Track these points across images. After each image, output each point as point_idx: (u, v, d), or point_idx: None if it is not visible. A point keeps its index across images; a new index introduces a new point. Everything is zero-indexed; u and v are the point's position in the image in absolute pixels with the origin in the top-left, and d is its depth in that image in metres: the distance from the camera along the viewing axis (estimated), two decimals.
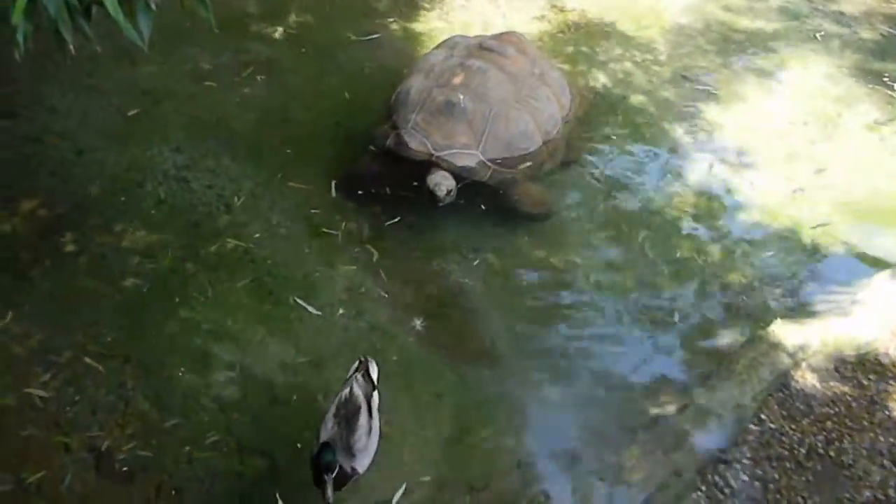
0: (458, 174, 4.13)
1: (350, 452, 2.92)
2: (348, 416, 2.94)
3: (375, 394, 3.11)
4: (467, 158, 4.14)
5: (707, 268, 4.18)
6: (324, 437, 2.92)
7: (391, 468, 3.20)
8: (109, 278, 3.72)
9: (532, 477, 3.31)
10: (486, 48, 4.49)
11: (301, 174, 4.37)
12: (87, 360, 3.40)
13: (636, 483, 3.30)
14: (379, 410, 3.09)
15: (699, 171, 4.69)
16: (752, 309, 4.00)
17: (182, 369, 3.43)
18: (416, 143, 4.12)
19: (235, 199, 4.18)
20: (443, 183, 4.07)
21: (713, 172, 4.69)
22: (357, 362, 3.16)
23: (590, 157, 4.69)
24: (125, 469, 3.10)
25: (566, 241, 4.25)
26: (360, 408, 2.96)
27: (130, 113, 4.55)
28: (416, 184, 4.14)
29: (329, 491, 2.78)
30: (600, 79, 5.23)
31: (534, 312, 3.93)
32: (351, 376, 3.07)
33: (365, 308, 3.79)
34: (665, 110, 5.05)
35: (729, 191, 4.61)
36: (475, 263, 4.07)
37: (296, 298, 3.75)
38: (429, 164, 4.12)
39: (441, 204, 4.08)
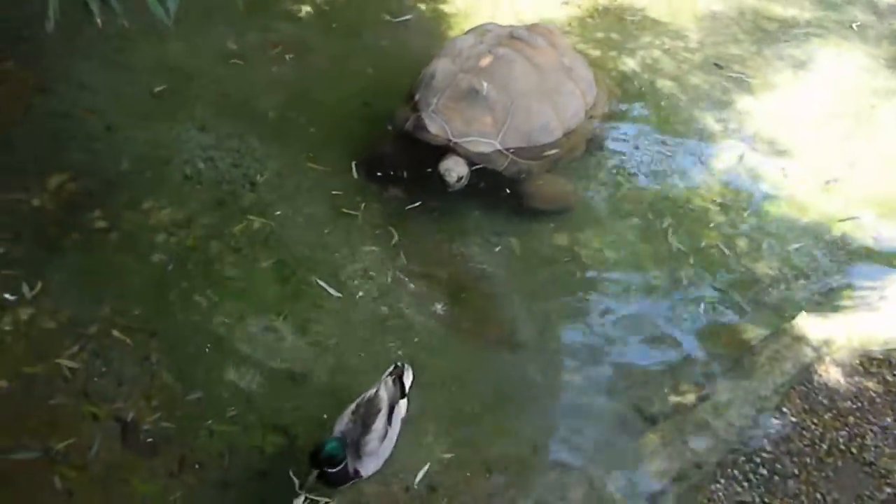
0: (473, 161, 4.09)
1: (358, 453, 2.88)
2: (366, 416, 2.92)
3: (403, 402, 3.08)
4: (485, 146, 4.09)
5: (733, 258, 4.14)
6: (337, 431, 2.91)
7: (414, 446, 3.23)
8: (137, 254, 3.77)
9: (549, 461, 3.32)
10: (515, 37, 4.42)
11: (326, 155, 4.38)
12: (116, 332, 3.46)
13: (654, 472, 3.29)
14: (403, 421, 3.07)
15: (728, 160, 4.64)
16: (778, 301, 3.96)
17: (206, 345, 3.47)
18: (436, 128, 4.09)
19: (260, 178, 4.20)
20: (454, 169, 4.03)
21: (742, 162, 4.63)
22: (393, 366, 3.14)
23: (616, 144, 4.65)
24: (150, 440, 3.16)
25: (590, 228, 4.23)
26: (379, 411, 2.94)
27: (158, 90, 4.58)
28: (430, 169, 4.11)
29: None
30: (629, 64, 5.17)
31: (556, 298, 3.92)
32: (383, 379, 3.05)
33: (386, 290, 3.81)
34: (695, 98, 4.98)
35: (758, 181, 4.55)
36: (497, 249, 4.07)
37: (317, 279, 3.77)
38: (446, 150, 4.09)
39: (451, 190, 4.04)
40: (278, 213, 4.05)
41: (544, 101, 4.23)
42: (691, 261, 4.11)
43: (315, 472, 2.81)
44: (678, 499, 3.23)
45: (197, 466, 3.11)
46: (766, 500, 3.24)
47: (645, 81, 5.05)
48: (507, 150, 4.13)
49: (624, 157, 4.59)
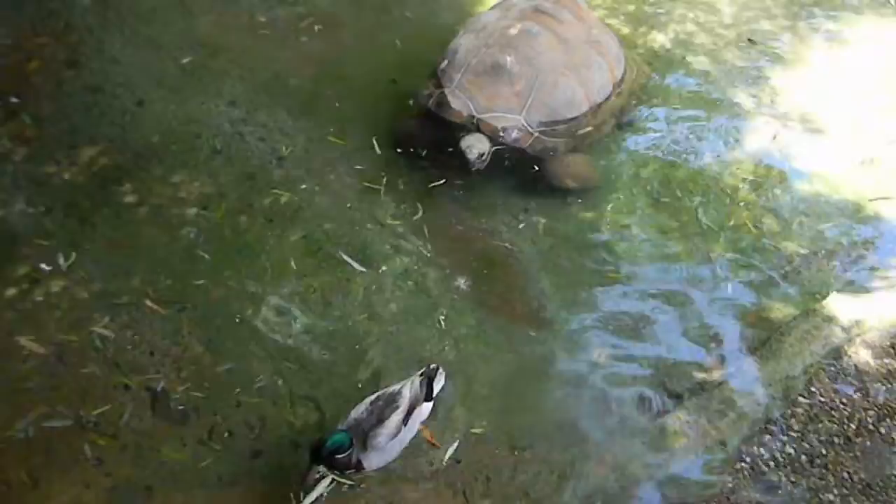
0: (497, 139, 4.01)
1: (365, 444, 2.85)
2: (383, 410, 2.90)
3: (427, 406, 3.04)
4: (508, 122, 4.01)
5: (763, 237, 4.09)
6: (351, 417, 2.88)
7: (442, 421, 3.26)
8: (167, 227, 3.81)
9: (574, 438, 3.33)
10: (541, 11, 4.32)
11: (353, 131, 4.38)
12: (149, 302, 3.51)
13: (679, 449, 3.29)
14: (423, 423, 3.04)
15: (760, 137, 4.56)
16: (808, 281, 3.92)
17: (235, 317, 3.52)
18: (459, 104, 4.03)
19: (288, 153, 4.22)
20: (475, 145, 3.95)
21: (775, 139, 4.55)
22: (426, 367, 3.11)
23: (646, 120, 4.60)
24: (180, 409, 3.22)
25: (618, 205, 4.20)
26: (397, 408, 2.92)
27: (188, 64, 4.60)
28: (451, 149, 4.06)
29: (311, 478, 2.77)
30: (660, 40, 5.09)
31: (583, 275, 3.91)
32: (412, 378, 3.02)
33: (411, 266, 3.82)
34: (728, 73, 4.90)
35: (790, 159, 4.48)
36: (522, 226, 4.05)
37: (342, 254, 3.79)
38: (470, 127, 4.02)
39: (473, 168, 3.96)
40: (305, 187, 4.07)
41: (570, 75, 4.14)
42: (720, 239, 4.07)
43: (315, 473, 2.80)
44: (702, 476, 3.23)
45: (227, 435, 3.16)
46: (792, 479, 3.23)
47: (677, 57, 4.98)
48: (532, 126, 4.05)
49: (654, 134, 4.53)
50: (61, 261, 3.61)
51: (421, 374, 3.04)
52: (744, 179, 4.35)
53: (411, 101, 4.29)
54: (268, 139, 4.27)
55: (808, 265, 3.99)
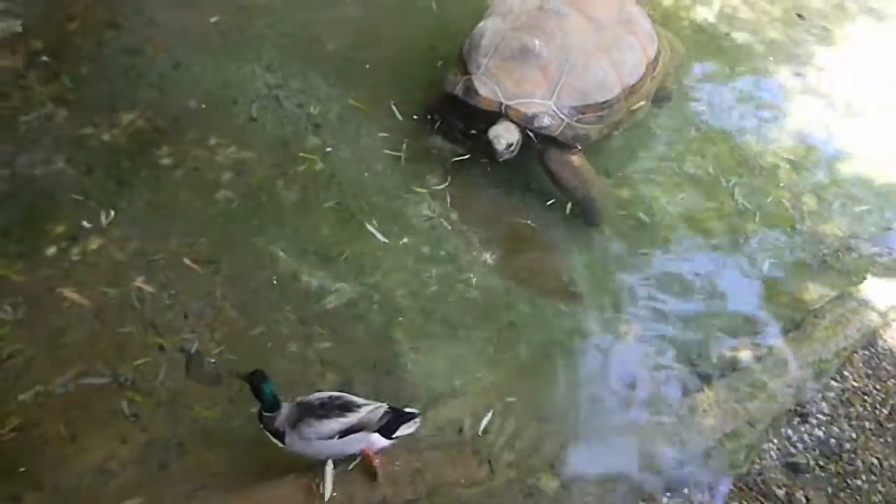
0: (526, 126, 3.88)
1: (294, 423, 2.77)
2: (332, 409, 2.78)
3: (379, 439, 2.85)
4: (538, 107, 3.86)
5: (800, 218, 4.04)
6: (306, 397, 2.82)
7: (471, 394, 3.29)
8: (203, 191, 3.85)
9: (601, 412, 3.34)
10: None
11: (388, 98, 4.36)
12: (187, 261, 3.56)
13: (706, 429, 3.28)
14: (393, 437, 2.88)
15: (802, 116, 4.48)
16: (845, 263, 3.86)
17: (268, 282, 3.56)
18: (486, 91, 3.89)
19: (323, 119, 4.22)
20: (504, 136, 3.83)
21: (818, 119, 4.46)
22: (404, 407, 2.92)
23: (686, 98, 4.53)
24: (213, 370, 3.27)
25: (653, 182, 4.15)
26: (343, 418, 2.76)
27: (225, 27, 4.61)
28: (475, 131, 3.96)
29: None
30: (704, 14, 4.99)
31: (614, 251, 3.89)
32: (382, 405, 2.86)
33: (440, 237, 3.82)
34: (772, 50, 4.80)
35: (832, 139, 4.40)
36: (551, 202, 4.01)
37: (368, 224, 3.79)
38: (498, 113, 3.90)
39: (500, 159, 3.86)
40: (340, 154, 4.08)
41: (601, 56, 3.97)
42: (757, 218, 4.02)
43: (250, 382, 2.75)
44: (729, 456, 3.23)
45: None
46: (820, 462, 3.22)
47: (720, 33, 4.88)
48: (563, 111, 3.88)
49: (693, 112, 4.47)
50: (102, 219, 3.66)
51: (391, 408, 2.87)
52: (783, 159, 4.28)
53: (441, 90, 4.13)
54: (304, 105, 4.27)
55: (845, 247, 3.93)
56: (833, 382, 3.41)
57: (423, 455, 3.10)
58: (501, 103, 3.87)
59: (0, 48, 4.22)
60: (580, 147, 3.96)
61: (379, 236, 3.76)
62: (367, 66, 4.48)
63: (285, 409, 2.81)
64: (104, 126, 4.05)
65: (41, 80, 4.16)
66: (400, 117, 4.26)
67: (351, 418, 2.78)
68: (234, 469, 3.02)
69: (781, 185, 4.17)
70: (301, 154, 4.05)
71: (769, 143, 4.34)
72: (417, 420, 2.93)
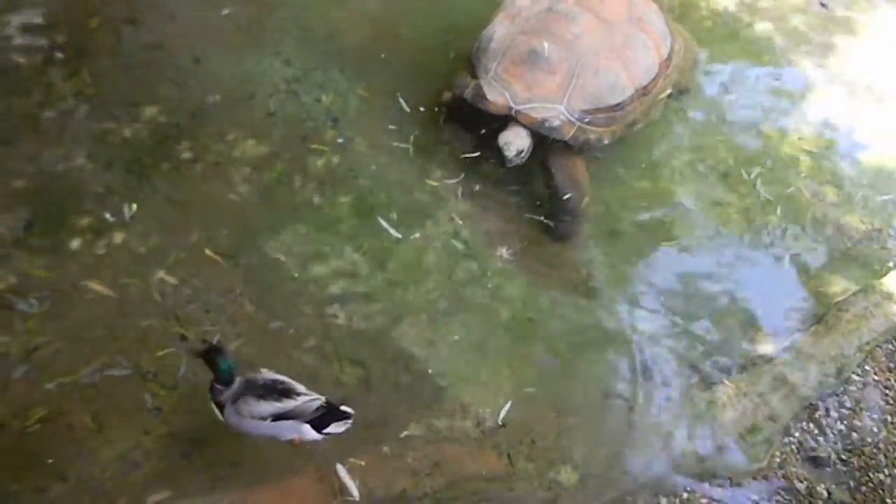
0: (537, 131, 3.81)
1: (236, 399, 2.82)
2: (272, 392, 2.83)
3: (311, 431, 2.88)
4: (549, 112, 3.79)
5: (822, 210, 4.00)
6: (257, 374, 2.88)
7: (490, 385, 3.31)
8: (222, 187, 3.87)
9: (618, 406, 3.33)
10: None
11: (407, 92, 4.36)
12: (209, 251, 3.59)
13: (726, 423, 3.28)
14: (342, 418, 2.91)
15: (823, 107, 4.43)
16: (868, 256, 3.83)
17: (287, 277, 3.58)
18: (495, 95, 3.83)
19: (342, 113, 4.23)
20: (514, 142, 3.77)
21: (840, 109, 4.41)
22: (340, 403, 2.94)
23: (707, 88, 4.49)
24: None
25: (672, 174, 4.13)
26: (278, 403, 2.81)
27: (244, 22, 4.62)
28: (484, 130, 3.90)
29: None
30: (724, 3, 4.94)
31: (634, 244, 3.87)
32: (320, 397, 2.88)
33: (457, 233, 3.81)
34: (793, 40, 4.75)
35: (854, 129, 4.35)
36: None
37: (382, 219, 3.80)
38: (507, 118, 3.83)
39: (509, 165, 3.79)
40: (358, 149, 4.09)
41: (613, 57, 3.89)
42: (778, 210, 3.99)
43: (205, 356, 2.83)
44: (750, 450, 3.22)
45: None
46: (842, 456, 3.20)
47: (742, 22, 4.82)
48: (574, 115, 3.81)
49: (714, 102, 4.43)
50: (125, 213, 3.69)
51: (328, 403, 2.88)
52: (805, 150, 4.24)
53: (451, 93, 4.11)
54: (322, 99, 4.28)
55: (868, 240, 3.90)
56: (855, 376, 3.39)
57: (442, 448, 3.11)
58: (511, 108, 3.82)
59: (21, 45, 4.25)
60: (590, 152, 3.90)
61: (392, 231, 3.77)
62: (392, 63, 4.46)
63: (236, 384, 2.86)
64: (125, 121, 4.07)
65: (62, 77, 4.20)
66: (409, 110, 4.25)
67: (286, 405, 2.82)
68: (254, 461, 3.05)
69: (803, 175, 4.13)
70: (319, 148, 4.07)
71: (791, 134, 4.30)
72: (349, 421, 2.91)
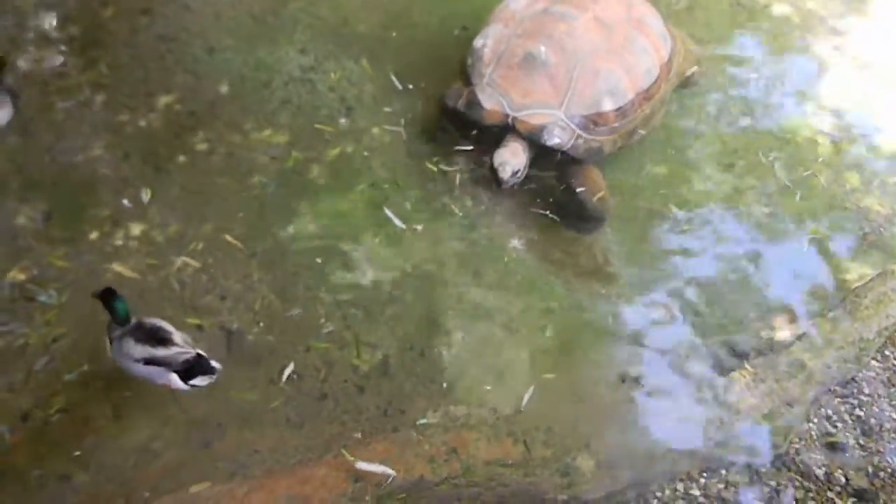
0: (535, 140, 3.68)
1: (120, 338, 2.97)
2: (152, 336, 2.96)
3: (177, 379, 2.97)
4: (547, 118, 3.66)
5: (841, 195, 3.97)
6: (153, 318, 3.05)
7: (512, 372, 3.32)
8: (238, 176, 3.89)
9: (636, 393, 3.33)
10: None
11: (420, 79, 4.35)
12: (228, 237, 3.61)
13: (743, 409, 3.27)
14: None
15: (841, 91, 4.38)
16: (887, 241, 3.79)
17: (303, 265, 3.60)
18: (491, 103, 3.72)
19: (356, 102, 4.23)
20: (510, 162, 3.64)
21: (857, 92, 4.36)
22: (205, 357, 3.00)
23: (723, 73, 4.45)
24: (252, 352, 3.32)
25: (689, 160, 4.10)
26: (151, 348, 2.93)
27: (258, 11, 4.62)
28: (475, 131, 3.82)
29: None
30: None
31: (651, 232, 3.85)
32: (194, 348, 3.00)
33: (474, 223, 3.81)
34: (811, 23, 4.70)
35: (872, 113, 4.30)
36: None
37: (387, 210, 3.79)
38: (504, 127, 3.73)
39: (504, 186, 3.68)
40: (373, 138, 4.09)
41: (612, 60, 3.75)
42: (797, 196, 3.96)
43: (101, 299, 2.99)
44: (768, 436, 3.21)
45: (295, 378, 3.26)
46: (861, 441, 3.19)
47: (758, 5, 4.77)
48: (573, 121, 3.68)
49: (730, 87, 4.39)
50: (142, 203, 3.72)
51: (198, 356, 2.97)
52: (824, 134, 4.20)
53: (444, 103, 4.00)
54: (337, 88, 4.28)
55: (888, 224, 3.86)
56: (874, 362, 3.37)
57: (459, 434, 3.13)
58: (508, 115, 3.70)
59: (38, 38, 4.28)
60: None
61: (396, 222, 3.75)
62: (405, 51, 4.45)
63: (130, 325, 3.00)
64: (141, 112, 4.10)
65: (78, 68, 4.22)
66: (424, 98, 4.23)
67: (157, 352, 2.95)
68: (274, 449, 3.08)
69: (821, 160, 4.09)
70: (334, 136, 4.07)
71: (808, 118, 4.26)
72: (214, 376, 3.02)
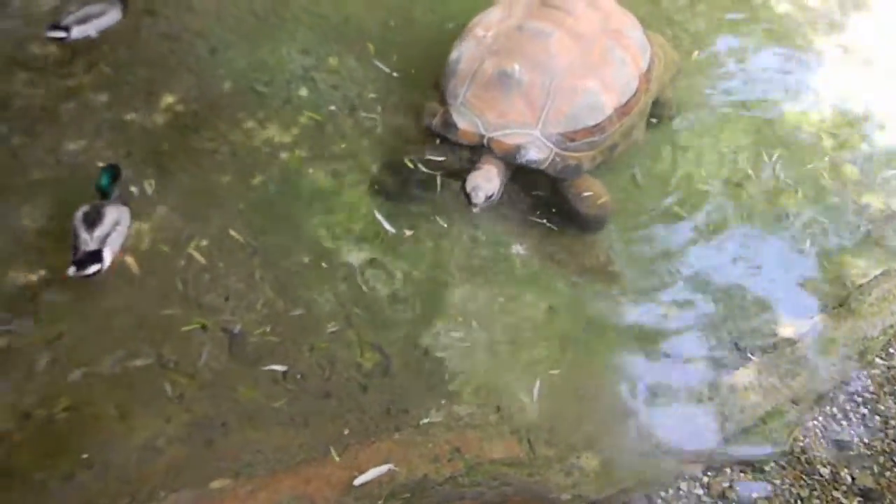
0: (512, 161, 3.62)
1: (78, 236, 3.38)
2: (88, 217, 3.41)
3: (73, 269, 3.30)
4: (523, 137, 3.59)
5: (843, 191, 3.95)
6: (100, 203, 3.49)
7: (513, 370, 3.32)
8: (240, 175, 3.88)
9: (641, 391, 3.33)
10: (549, 6, 3.84)
11: (423, 77, 4.34)
12: (232, 235, 3.62)
13: (748, 406, 3.26)
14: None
15: (843, 87, 4.37)
16: (890, 238, 3.78)
17: (307, 264, 3.59)
18: (466, 123, 3.64)
19: (358, 101, 4.23)
20: (483, 186, 3.54)
21: (858, 88, 4.35)
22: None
23: (724, 69, 4.44)
24: (255, 351, 3.32)
25: (691, 158, 4.09)
26: (79, 231, 3.38)
27: (260, 11, 4.62)
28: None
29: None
30: None
31: (654, 228, 3.84)
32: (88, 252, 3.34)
33: (479, 224, 3.80)
34: (812, 19, 4.68)
35: (874, 111, 4.28)
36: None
37: (375, 212, 3.77)
38: (479, 147, 3.66)
39: (475, 210, 3.59)
40: (376, 135, 4.08)
41: (589, 75, 3.66)
42: (799, 193, 3.95)
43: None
44: (772, 434, 3.20)
45: (299, 377, 3.26)
46: (865, 439, 3.18)
47: (758, 1, 4.77)
48: (550, 140, 3.60)
49: (731, 84, 4.38)
50: (144, 202, 3.72)
51: (90, 253, 3.34)
52: (825, 131, 4.19)
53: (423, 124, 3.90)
54: (339, 86, 4.28)
55: (891, 221, 3.85)
56: (878, 360, 3.36)
57: (462, 433, 3.13)
58: (483, 136, 3.62)
59: (41, 36, 4.28)
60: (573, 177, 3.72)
61: (385, 225, 3.73)
62: (407, 49, 4.45)
63: (101, 200, 3.50)
64: (144, 111, 4.10)
65: (82, 68, 4.23)
66: (427, 96, 4.22)
67: (81, 233, 3.38)
68: (277, 448, 3.08)
69: (823, 157, 4.08)
70: (337, 135, 4.07)
71: (810, 114, 4.25)
72: (98, 266, 3.34)
